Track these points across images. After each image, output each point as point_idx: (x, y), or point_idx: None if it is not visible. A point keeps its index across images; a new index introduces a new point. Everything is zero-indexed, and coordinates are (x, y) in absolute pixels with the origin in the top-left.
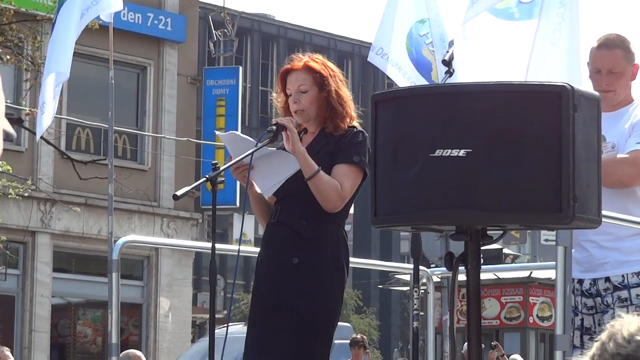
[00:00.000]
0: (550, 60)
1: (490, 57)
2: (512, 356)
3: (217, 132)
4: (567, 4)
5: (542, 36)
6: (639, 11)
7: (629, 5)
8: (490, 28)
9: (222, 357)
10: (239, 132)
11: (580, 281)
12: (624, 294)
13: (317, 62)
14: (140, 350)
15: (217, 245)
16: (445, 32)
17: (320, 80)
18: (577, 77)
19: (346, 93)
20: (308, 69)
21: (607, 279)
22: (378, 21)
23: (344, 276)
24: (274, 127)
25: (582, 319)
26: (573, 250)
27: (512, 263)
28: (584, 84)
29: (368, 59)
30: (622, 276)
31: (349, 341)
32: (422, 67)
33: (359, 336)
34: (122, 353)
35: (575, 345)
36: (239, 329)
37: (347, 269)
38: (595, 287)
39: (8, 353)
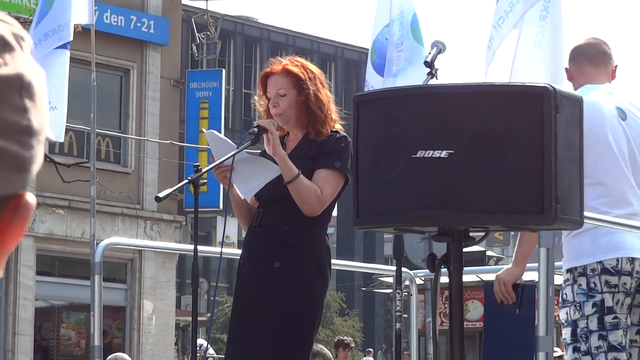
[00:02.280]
0: (532, 62)
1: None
2: None
3: (203, 130)
4: (550, 6)
5: (525, 38)
6: (619, 12)
7: (611, 6)
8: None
9: None
10: (219, 133)
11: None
12: None
13: (296, 65)
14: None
15: (200, 248)
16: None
17: (298, 84)
18: (561, 78)
19: (326, 96)
20: (287, 72)
21: None
22: (361, 24)
23: (326, 280)
24: (256, 130)
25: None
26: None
27: (495, 265)
28: (566, 86)
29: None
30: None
31: None
32: (382, 67)
33: (345, 338)
34: (110, 356)
35: (592, 330)
36: None
37: (329, 274)
38: None
39: None
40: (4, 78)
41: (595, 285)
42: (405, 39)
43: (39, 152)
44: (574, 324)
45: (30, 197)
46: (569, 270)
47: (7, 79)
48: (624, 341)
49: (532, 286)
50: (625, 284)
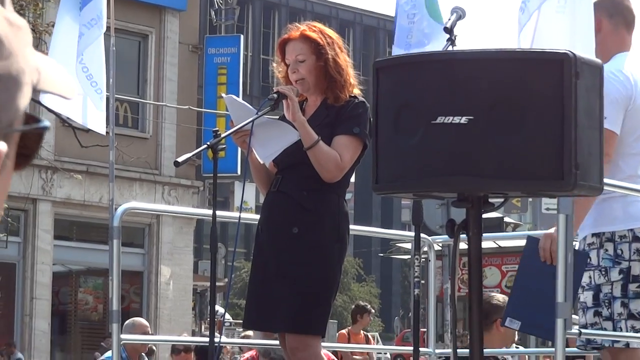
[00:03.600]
0: (555, 28)
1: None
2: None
3: (222, 94)
4: None
5: (548, 4)
6: None
7: None
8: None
9: None
10: (238, 98)
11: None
12: None
13: (314, 30)
14: (142, 317)
15: (218, 213)
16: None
17: (317, 49)
18: (589, 44)
19: (345, 60)
20: (305, 37)
21: None
22: None
23: (344, 246)
24: (275, 96)
25: (628, 267)
26: None
27: (513, 232)
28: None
29: None
30: None
31: None
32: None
33: (364, 303)
34: (127, 321)
35: (615, 296)
36: None
37: (347, 239)
38: None
39: None
40: None
41: (622, 252)
42: (418, 11)
43: (6, 99)
44: (596, 288)
45: (1, 145)
46: (595, 235)
47: None
48: None
49: (584, 253)
50: None
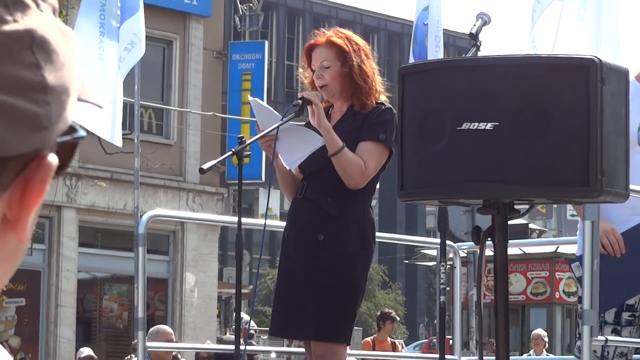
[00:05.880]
0: (575, 36)
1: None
2: (535, 331)
3: (249, 97)
4: None
5: (568, 12)
6: None
7: None
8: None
9: None
10: (262, 101)
11: None
12: None
13: (340, 37)
14: (166, 325)
15: (243, 220)
16: (441, 15)
17: (342, 55)
18: (614, 49)
19: (371, 67)
20: (331, 44)
21: None
22: None
23: (370, 253)
24: (300, 102)
25: None
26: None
27: (538, 238)
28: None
29: None
30: None
31: None
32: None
33: (390, 310)
34: (152, 328)
35: (607, 322)
36: None
37: (373, 246)
38: None
39: None
40: (13, 35)
41: None
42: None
43: (60, 110)
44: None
45: (52, 158)
46: None
47: (17, 35)
48: None
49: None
50: None
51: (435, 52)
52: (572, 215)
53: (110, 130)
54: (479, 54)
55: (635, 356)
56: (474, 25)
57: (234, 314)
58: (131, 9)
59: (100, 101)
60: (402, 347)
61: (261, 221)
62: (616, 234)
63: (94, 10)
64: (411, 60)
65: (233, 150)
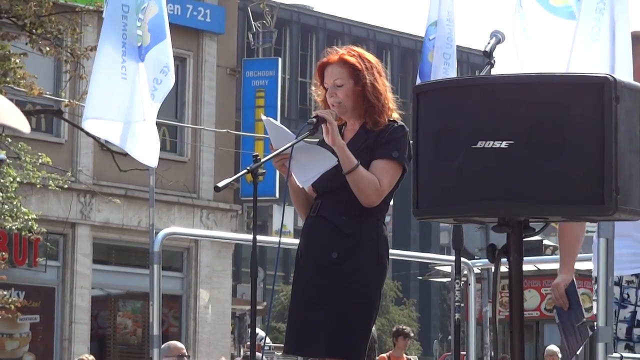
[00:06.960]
0: (589, 56)
1: (553, 55)
2: (549, 347)
3: (262, 116)
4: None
5: (582, 31)
6: None
7: None
8: (550, 26)
9: None
10: (275, 120)
11: (638, 275)
12: None
13: (353, 55)
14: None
15: (258, 237)
16: (453, 32)
17: (355, 74)
18: (627, 68)
19: (383, 85)
20: (343, 62)
21: None
22: (417, 12)
23: (384, 271)
24: (314, 120)
25: (634, 312)
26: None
27: (552, 254)
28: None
29: None
30: None
31: None
32: (424, 74)
33: (405, 327)
34: (163, 345)
35: (620, 338)
36: None
37: (387, 264)
38: None
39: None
40: None
41: None
42: (453, 54)
43: None
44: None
45: None
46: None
47: None
48: None
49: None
50: None
51: (445, 69)
52: (586, 232)
53: (142, 149)
54: (493, 71)
55: None
56: (488, 43)
57: (249, 330)
58: (156, 36)
59: (21, 125)
60: None
61: (275, 238)
62: (560, 288)
63: (116, 32)
64: (417, 77)
65: (248, 168)
